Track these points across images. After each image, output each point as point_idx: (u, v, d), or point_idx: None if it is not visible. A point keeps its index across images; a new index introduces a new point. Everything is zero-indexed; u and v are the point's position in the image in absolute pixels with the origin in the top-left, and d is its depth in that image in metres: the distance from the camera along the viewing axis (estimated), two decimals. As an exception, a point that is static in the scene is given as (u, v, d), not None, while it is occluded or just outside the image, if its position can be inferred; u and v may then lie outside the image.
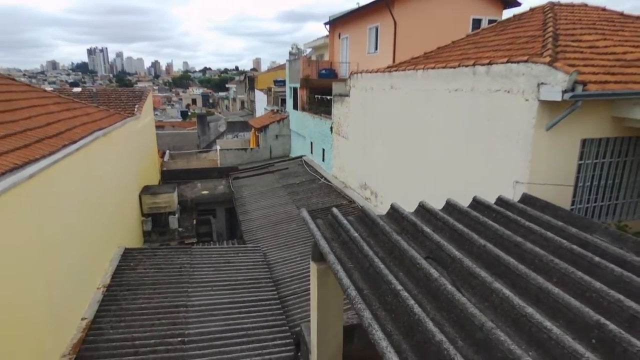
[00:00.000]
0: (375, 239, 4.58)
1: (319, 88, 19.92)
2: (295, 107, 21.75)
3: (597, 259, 3.81)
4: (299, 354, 5.76)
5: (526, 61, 5.73)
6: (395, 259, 4.11)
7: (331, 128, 14.97)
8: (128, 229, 10.61)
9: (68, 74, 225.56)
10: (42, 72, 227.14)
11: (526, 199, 5.72)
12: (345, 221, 4.77)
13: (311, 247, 4.79)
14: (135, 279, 7.63)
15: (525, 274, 3.58)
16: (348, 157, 13.49)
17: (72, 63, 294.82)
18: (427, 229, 4.52)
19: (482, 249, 4.13)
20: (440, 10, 16.66)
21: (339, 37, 22.27)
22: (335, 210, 5.08)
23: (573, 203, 6.26)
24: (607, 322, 2.87)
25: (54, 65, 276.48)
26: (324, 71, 21.75)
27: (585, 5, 9.69)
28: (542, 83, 5.47)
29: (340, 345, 4.87)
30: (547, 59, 5.44)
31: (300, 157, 19.50)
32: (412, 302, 3.16)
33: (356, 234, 4.41)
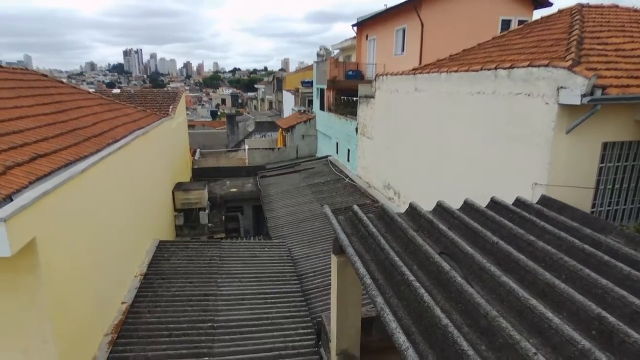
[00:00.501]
0: (392, 235, 4.86)
1: (346, 89, 20.20)
2: (322, 108, 22.12)
3: (606, 257, 3.95)
4: (320, 342, 6.10)
5: (547, 65, 5.84)
6: (411, 254, 4.38)
7: (356, 129, 15.23)
8: (162, 223, 11.26)
9: (105, 75, 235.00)
10: (81, 73, 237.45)
11: (544, 200, 5.84)
12: (365, 217, 5.07)
13: (332, 241, 5.12)
14: (169, 269, 8.17)
15: (533, 269, 3.78)
16: (372, 158, 13.72)
17: (109, 64, 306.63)
18: (443, 227, 4.75)
19: (494, 246, 4.34)
20: (468, 11, 16.61)
21: (366, 39, 22.47)
22: (355, 207, 5.39)
23: (594, 206, 6.31)
24: (607, 315, 3.05)
25: (92, 66, 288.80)
26: (350, 72, 22.02)
27: (616, 6, 9.56)
28: (561, 87, 5.58)
29: (358, 334, 5.17)
30: (567, 64, 5.55)
31: (326, 157, 19.84)
32: (422, 291, 3.43)
33: (374, 229, 4.70)
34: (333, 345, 5.24)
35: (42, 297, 4.24)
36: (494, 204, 5.68)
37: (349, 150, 16.80)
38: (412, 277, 3.62)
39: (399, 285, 3.73)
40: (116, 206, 7.13)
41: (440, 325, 3.02)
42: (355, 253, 4.19)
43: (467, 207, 5.58)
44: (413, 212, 5.42)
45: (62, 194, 4.78)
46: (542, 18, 10.07)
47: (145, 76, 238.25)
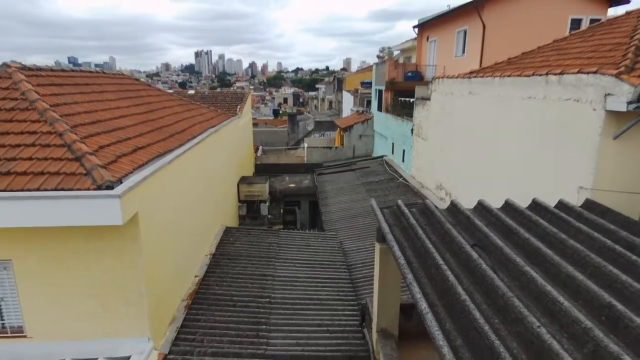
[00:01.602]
0: (431, 227, 5.38)
1: (404, 90, 20.43)
2: (379, 108, 22.54)
3: (634, 257, 4.20)
4: (364, 323, 6.74)
5: (595, 72, 5.99)
6: (445, 244, 4.89)
7: (412, 130, 15.56)
8: (228, 212, 12.50)
9: (178, 75, 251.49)
10: (157, 74, 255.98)
11: (588, 204, 5.99)
12: (407, 211, 5.63)
13: (376, 230, 5.74)
14: (234, 251, 9.25)
15: (558, 263, 4.14)
16: (426, 159, 14.01)
17: (182, 64, 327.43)
18: (479, 222, 5.19)
19: (525, 242, 4.71)
20: (534, 11, 16.18)
21: (427, 40, 22.52)
22: (399, 201, 5.96)
23: (644, 211, 6.30)
24: (617, 304, 3.40)
25: (167, 67, 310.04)
26: (410, 74, 22.21)
27: (693, 6, 9.10)
28: (608, 94, 5.72)
29: (396, 315, 5.75)
30: (614, 71, 5.68)
31: (382, 157, 20.28)
32: (449, 273, 3.96)
33: (414, 221, 5.25)
34: (374, 323, 5.87)
35: (141, 261, 5.33)
36: (535, 204, 5.95)
37: (404, 150, 17.14)
38: (441, 261, 4.16)
39: (430, 268, 4.28)
40: (193, 193, 8.28)
41: (460, 300, 3.56)
42: (394, 239, 4.80)
43: (507, 206, 5.92)
44: (454, 208, 5.88)
45: (155, 180, 5.87)
46: (607, 20, 9.83)
47: (213, 76, 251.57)
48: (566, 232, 4.96)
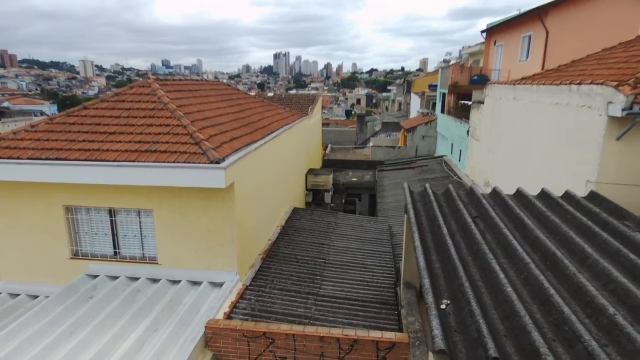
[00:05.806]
0: (447, 204, 6.95)
1: (468, 94, 21.25)
2: (442, 110, 23.52)
3: (597, 229, 5.48)
4: (397, 283, 8.43)
5: (602, 83, 7.10)
6: (454, 215, 6.46)
7: (467, 131, 16.60)
8: (296, 197, 14.74)
9: (257, 76, 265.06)
10: (238, 75, 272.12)
11: (591, 194, 7.09)
12: (430, 191, 7.25)
13: (404, 205, 7.42)
14: (299, 225, 11.38)
15: (533, 229, 5.56)
16: (477, 158, 15.06)
17: (261, 66, 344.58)
18: (485, 202, 6.67)
19: (516, 216, 6.14)
20: (601, 17, 16.26)
21: (494, 44, 22.99)
22: (427, 185, 7.58)
23: (647, 204, 7.23)
24: (557, 251, 4.81)
25: (247, 68, 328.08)
26: (475, 77, 22.87)
27: None
28: (610, 102, 6.84)
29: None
30: (615, 83, 6.77)
31: (441, 156, 21.33)
32: (445, 230, 5.60)
33: (432, 198, 6.88)
34: (401, 277, 7.57)
35: (234, 216, 7.59)
36: (543, 193, 7.21)
37: (460, 150, 18.16)
38: (442, 222, 5.81)
39: (434, 227, 5.93)
40: (270, 176, 10.54)
41: (446, 244, 5.20)
42: (412, 209, 6.49)
43: (518, 193, 7.26)
44: (471, 192, 7.37)
45: (245, 161, 8.12)
46: (655, 30, 10.34)
47: (290, 77, 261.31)
48: (554, 211, 6.25)
